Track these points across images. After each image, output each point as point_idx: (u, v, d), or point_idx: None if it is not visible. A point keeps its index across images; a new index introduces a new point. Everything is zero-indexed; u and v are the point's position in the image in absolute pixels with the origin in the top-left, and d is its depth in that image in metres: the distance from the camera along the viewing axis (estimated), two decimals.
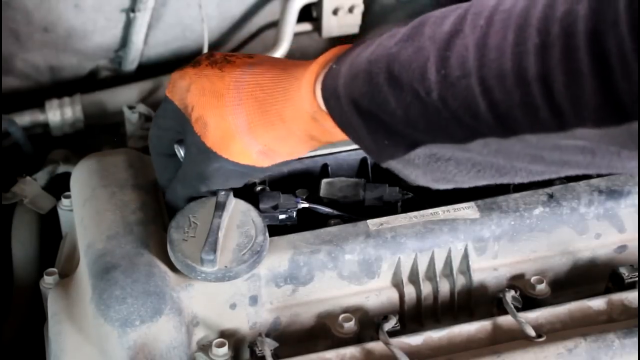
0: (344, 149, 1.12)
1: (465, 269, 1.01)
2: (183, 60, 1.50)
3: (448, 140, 0.74)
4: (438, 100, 0.71)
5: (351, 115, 0.80)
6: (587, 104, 0.61)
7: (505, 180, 0.76)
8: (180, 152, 0.98)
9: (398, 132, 0.77)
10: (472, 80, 0.68)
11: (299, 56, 1.59)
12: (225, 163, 0.92)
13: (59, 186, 1.31)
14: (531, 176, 0.75)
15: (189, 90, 0.92)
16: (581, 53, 0.60)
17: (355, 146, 1.11)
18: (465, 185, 0.80)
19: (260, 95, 0.89)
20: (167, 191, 1.00)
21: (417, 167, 0.80)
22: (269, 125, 0.89)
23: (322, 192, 1.07)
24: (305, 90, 0.85)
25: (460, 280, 1.01)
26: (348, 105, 0.80)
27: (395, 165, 0.82)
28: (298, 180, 1.11)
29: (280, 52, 1.48)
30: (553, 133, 0.65)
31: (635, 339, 0.93)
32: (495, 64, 0.66)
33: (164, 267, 0.94)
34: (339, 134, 0.86)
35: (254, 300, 0.96)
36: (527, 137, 0.68)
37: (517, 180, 0.76)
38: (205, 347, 0.94)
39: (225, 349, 0.93)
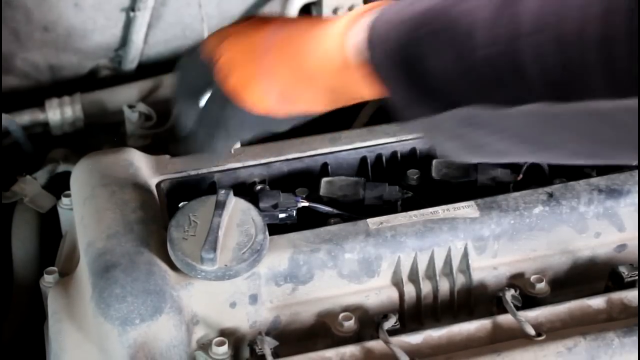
0: (344, 148, 1.13)
1: (465, 268, 1.01)
2: None
3: (488, 103, 0.71)
4: (484, 62, 0.69)
5: (390, 65, 0.78)
6: None
7: (536, 157, 0.74)
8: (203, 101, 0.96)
9: (435, 90, 0.75)
10: (525, 42, 0.65)
11: None
12: (240, 110, 0.90)
13: (59, 185, 1.31)
14: (572, 157, 0.73)
15: (221, 42, 0.92)
16: None
17: (355, 145, 1.13)
18: (490, 159, 0.78)
19: (287, 42, 0.88)
20: (183, 140, 0.99)
21: (445, 131, 0.77)
22: (291, 69, 0.88)
23: (322, 191, 1.07)
24: (336, 38, 0.83)
25: (460, 279, 1.01)
26: (389, 52, 0.78)
27: (421, 126, 0.79)
28: (298, 179, 1.11)
29: None
30: (609, 99, 0.63)
31: (635, 338, 0.93)
32: (553, 27, 0.64)
33: (164, 266, 0.94)
34: (360, 92, 0.84)
35: (254, 299, 0.96)
36: (578, 105, 0.65)
37: (551, 159, 0.73)
38: (205, 346, 0.94)
39: (225, 348, 0.93)
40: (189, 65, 0.96)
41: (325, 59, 0.85)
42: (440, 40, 0.72)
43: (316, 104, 0.90)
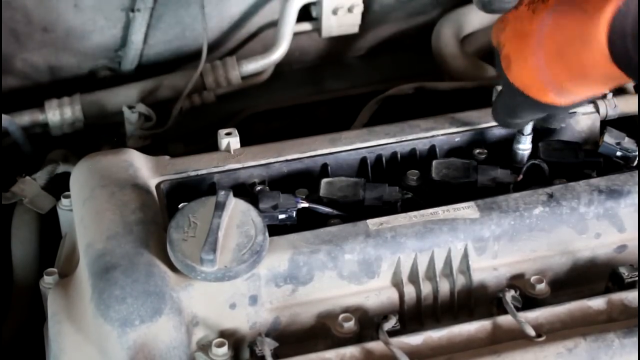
0: (344, 148, 1.12)
1: (465, 269, 1.01)
2: (183, 59, 1.51)
3: None
4: None
5: (634, 54, 0.82)
6: None
7: None
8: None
9: None
10: None
11: (298, 56, 1.60)
12: (527, 98, 0.97)
13: (58, 186, 1.31)
14: None
15: (503, 30, 0.99)
16: None
17: (355, 146, 1.13)
18: None
19: (559, 38, 0.92)
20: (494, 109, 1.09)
21: None
22: (566, 68, 0.92)
23: (322, 191, 1.07)
24: (602, 35, 0.86)
25: (460, 280, 1.01)
26: (632, 45, 0.82)
27: None
28: (298, 180, 1.11)
29: (279, 52, 1.48)
30: None
31: (635, 339, 0.93)
32: None
33: (163, 267, 0.94)
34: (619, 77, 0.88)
35: (253, 300, 0.96)
36: None
37: None
38: (205, 347, 0.94)
39: (225, 349, 0.93)
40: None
41: (599, 55, 0.87)
42: None
43: (595, 92, 0.96)
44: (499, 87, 1.07)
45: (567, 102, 0.96)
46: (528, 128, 1.11)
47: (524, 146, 1.12)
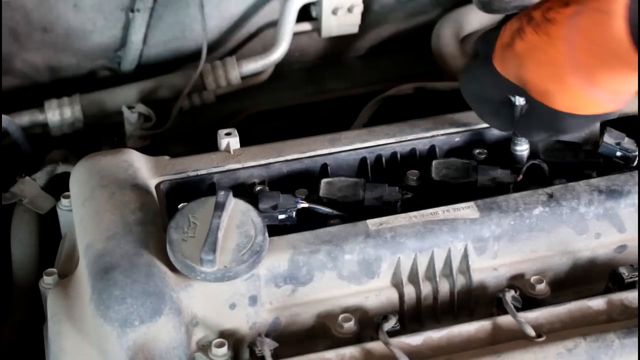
0: (344, 149, 1.12)
1: (465, 269, 1.01)
2: (182, 60, 1.51)
3: None
4: None
5: None
6: None
7: None
8: (518, 101, 1.03)
9: None
10: None
11: (298, 56, 1.60)
12: (577, 118, 0.97)
13: (58, 186, 1.31)
14: None
15: (523, 66, 0.97)
16: None
17: (355, 146, 1.13)
18: None
19: (595, 48, 0.91)
20: (516, 130, 1.07)
21: None
22: (611, 73, 0.92)
23: (322, 192, 1.07)
24: (624, 26, 0.86)
25: (460, 280, 1.01)
26: None
27: None
28: (297, 180, 1.11)
29: (279, 52, 1.48)
30: None
31: (635, 339, 0.93)
32: None
33: (163, 267, 0.94)
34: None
35: (253, 300, 0.96)
36: None
37: None
38: (204, 347, 0.94)
39: (224, 349, 0.93)
40: (484, 81, 1.05)
41: (626, 47, 0.87)
42: None
43: (634, 86, 0.93)
44: (519, 101, 1.04)
45: (619, 104, 0.97)
46: None
47: (521, 147, 1.11)
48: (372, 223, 0.99)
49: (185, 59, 1.51)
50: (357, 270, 0.98)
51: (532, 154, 1.12)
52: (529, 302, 0.99)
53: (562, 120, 0.98)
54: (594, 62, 0.92)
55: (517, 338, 0.93)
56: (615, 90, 0.94)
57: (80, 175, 1.08)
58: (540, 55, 0.95)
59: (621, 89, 0.94)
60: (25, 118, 1.42)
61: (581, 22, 0.92)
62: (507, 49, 0.99)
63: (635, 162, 1.11)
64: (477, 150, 1.14)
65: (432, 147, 1.14)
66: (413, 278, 1.00)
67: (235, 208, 0.97)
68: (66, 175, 1.18)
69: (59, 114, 1.42)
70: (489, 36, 1.03)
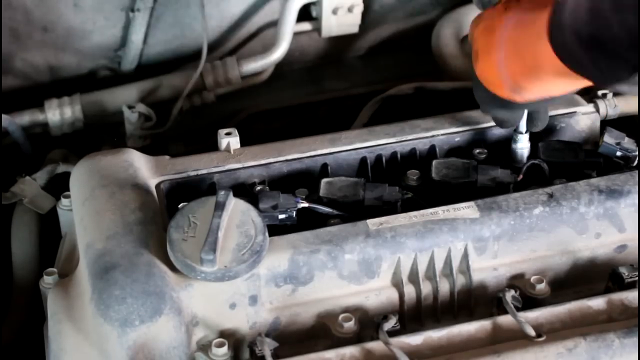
0: (344, 148, 1.12)
1: (465, 269, 1.01)
2: (183, 59, 1.51)
3: None
4: None
5: (573, 46, 0.83)
6: None
7: None
8: None
9: (621, 57, 0.79)
10: None
11: (298, 56, 1.60)
12: (488, 92, 1.01)
13: (58, 186, 1.31)
14: None
15: (477, 26, 1.02)
16: None
17: (355, 146, 1.13)
18: None
19: (518, 33, 0.94)
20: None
21: None
22: (520, 64, 0.94)
23: (322, 191, 1.07)
24: (544, 35, 0.88)
25: (460, 280, 1.01)
26: (571, 36, 0.83)
27: (622, 87, 0.83)
28: (298, 180, 1.11)
29: (279, 52, 1.48)
30: None
31: (635, 339, 0.93)
32: None
33: (163, 267, 0.94)
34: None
35: (253, 300, 0.96)
36: None
37: None
38: (205, 347, 0.94)
39: (225, 349, 0.93)
40: None
41: (541, 52, 0.89)
42: (624, 6, 0.76)
43: (548, 89, 0.97)
44: None
45: (522, 99, 0.99)
46: (522, 125, 1.11)
47: (522, 144, 1.12)
48: (372, 223, 0.99)
49: (186, 59, 1.51)
50: (357, 270, 0.98)
51: (533, 154, 1.12)
52: (529, 301, 0.99)
53: (480, 90, 1.03)
54: (513, 50, 0.95)
55: (517, 338, 0.93)
56: (522, 86, 0.97)
57: (80, 175, 1.08)
58: (489, 21, 1.00)
59: (527, 86, 0.97)
60: (26, 118, 1.42)
61: (521, 9, 0.96)
62: (483, 12, 1.05)
63: (636, 162, 1.11)
64: (477, 150, 1.14)
65: (432, 147, 1.14)
66: (413, 278, 1.00)
67: (236, 208, 0.97)
68: (66, 175, 1.18)
69: (59, 113, 1.42)
70: None
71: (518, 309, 0.96)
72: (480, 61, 1.01)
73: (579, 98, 1.20)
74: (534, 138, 1.14)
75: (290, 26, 1.48)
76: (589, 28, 0.81)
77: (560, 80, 0.93)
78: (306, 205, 1.04)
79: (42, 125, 1.43)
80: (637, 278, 1.00)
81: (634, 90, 0.83)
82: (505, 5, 0.98)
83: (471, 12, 1.54)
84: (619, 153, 1.11)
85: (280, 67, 1.52)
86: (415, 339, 0.94)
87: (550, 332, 0.94)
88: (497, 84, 1.00)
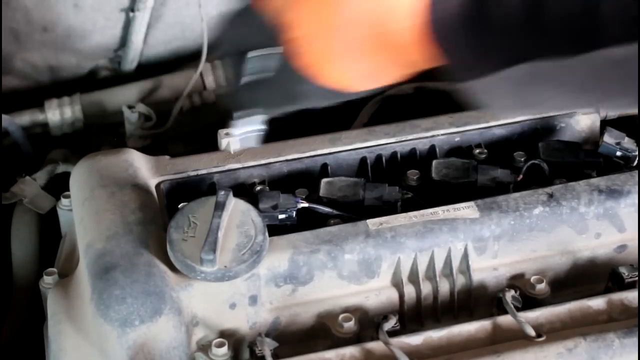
0: (344, 148, 1.12)
1: (465, 269, 1.01)
2: (183, 60, 1.51)
3: (560, 54, 0.68)
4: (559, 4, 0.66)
5: (453, 27, 0.74)
6: None
7: (594, 107, 0.72)
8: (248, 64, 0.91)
9: (501, 47, 0.72)
10: None
11: None
12: (314, 85, 0.85)
13: (58, 186, 1.31)
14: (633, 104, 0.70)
15: (291, 6, 0.84)
16: None
17: (355, 146, 1.13)
18: (551, 111, 0.75)
19: (364, 15, 0.81)
20: (231, 94, 0.96)
21: (503, 90, 0.74)
22: (370, 50, 0.82)
23: (322, 191, 1.07)
24: (406, 7, 0.77)
25: (460, 280, 1.01)
26: (452, 16, 0.74)
27: (477, 86, 0.76)
28: (298, 179, 1.11)
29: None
30: None
31: (635, 339, 0.93)
32: None
33: (163, 267, 0.94)
34: (418, 56, 0.80)
35: (253, 300, 0.96)
36: None
37: (610, 107, 0.70)
38: (204, 347, 0.94)
39: (224, 349, 0.93)
40: (243, 17, 0.91)
41: (403, 30, 0.79)
42: None
43: (394, 76, 0.85)
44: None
45: (362, 88, 0.86)
46: None
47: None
48: (372, 223, 0.99)
49: (185, 59, 1.51)
50: (357, 270, 0.98)
51: (532, 154, 1.12)
52: (529, 301, 0.99)
53: (300, 83, 0.85)
54: (359, 34, 0.81)
55: (517, 338, 0.93)
56: (367, 72, 0.84)
57: (80, 175, 1.08)
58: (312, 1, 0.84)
59: (374, 73, 0.84)
60: (26, 118, 1.42)
61: None
62: None
63: (636, 162, 1.11)
64: (477, 150, 1.14)
65: (432, 147, 1.14)
66: (413, 278, 1.00)
67: (236, 208, 0.97)
68: (66, 175, 1.18)
69: (59, 113, 1.42)
70: None
71: (518, 309, 0.96)
72: (310, 51, 0.83)
73: None
74: (533, 138, 1.14)
75: None
76: (470, 12, 0.72)
77: (409, 66, 0.83)
78: (306, 205, 1.04)
79: (42, 125, 1.43)
80: (637, 278, 1.00)
81: (493, 91, 0.75)
82: None
83: None
84: (618, 153, 1.11)
85: None
86: (415, 339, 0.94)
87: (550, 332, 0.94)
88: (336, 75, 0.84)
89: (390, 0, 0.80)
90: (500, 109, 0.76)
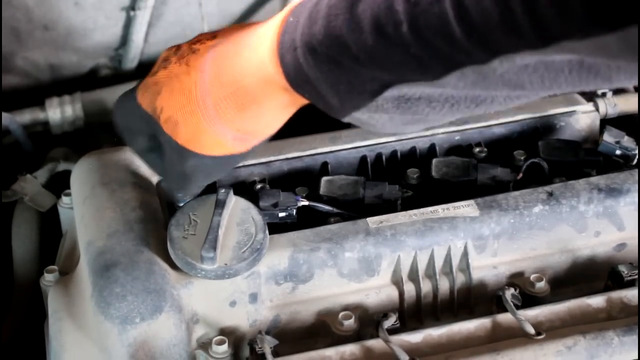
0: (344, 147, 1.13)
1: (465, 267, 1.01)
2: None
3: (419, 78, 0.70)
4: (408, 33, 0.66)
5: (309, 68, 0.76)
6: (572, 14, 0.57)
7: (481, 110, 0.72)
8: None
9: (362, 78, 0.73)
10: (446, 4, 0.63)
11: None
12: (201, 158, 0.88)
13: (59, 184, 1.31)
14: (509, 102, 0.72)
15: (159, 94, 0.89)
16: None
17: (355, 144, 1.13)
18: (438, 123, 0.76)
19: (225, 79, 0.84)
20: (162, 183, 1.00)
21: (385, 112, 0.76)
22: (239, 108, 0.85)
23: (322, 190, 1.07)
24: (269, 59, 0.80)
25: (460, 278, 1.01)
26: (305, 56, 0.75)
27: (360, 116, 0.77)
28: (298, 178, 1.11)
29: None
30: (538, 49, 0.61)
31: (635, 337, 0.93)
32: None
33: (164, 265, 0.94)
34: (294, 100, 0.82)
35: (253, 297, 0.96)
36: (509, 59, 0.64)
37: (494, 108, 0.72)
38: (205, 345, 0.94)
39: (225, 347, 0.93)
40: (129, 112, 0.94)
41: (270, 83, 0.81)
42: (361, 24, 0.70)
43: (274, 127, 0.88)
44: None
45: (250, 144, 0.89)
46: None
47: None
48: (372, 221, 1.00)
49: None
50: (357, 268, 0.98)
51: (532, 153, 1.12)
52: (528, 300, 0.99)
53: (186, 159, 0.88)
54: (222, 93, 0.85)
55: (516, 336, 0.93)
56: (245, 130, 0.86)
57: (81, 173, 1.09)
58: (175, 83, 0.88)
59: (247, 128, 0.87)
60: (26, 116, 1.42)
61: (218, 52, 0.86)
62: (150, 77, 0.92)
63: (635, 161, 1.12)
64: (477, 149, 1.14)
65: (432, 146, 1.14)
66: (413, 276, 1.00)
67: (236, 206, 0.97)
68: (67, 173, 1.18)
69: (60, 112, 1.42)
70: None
71: (518, 307, 0.96)
72: (183, 127, 0.87)
73: (578, 97, 1.20)
74: (533, 137, 1.14)
75: None
76: (325, 48, 0.73)
77: (288, 111, 0.85)
78: (306, 203, 1.04)
79: (43, 124, 1.44)
80: (636, 276, 1.00)
81: (374, 118, 0.77)
82: (182, 61, 0.89)
83: None
84: (618, 152, 1.11)
85: None
86: (415, 337, 0.94)
87: (550, 330, 0.94)
88: (216, 141, 0.87)
89: (239, 58, 0.83)
90: (390, 130, 0.79)
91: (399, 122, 0.77)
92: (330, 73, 0.75)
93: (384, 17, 0.68)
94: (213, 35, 0.89)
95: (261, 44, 0.81)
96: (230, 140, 0.87)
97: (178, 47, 0.92)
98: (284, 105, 0.84)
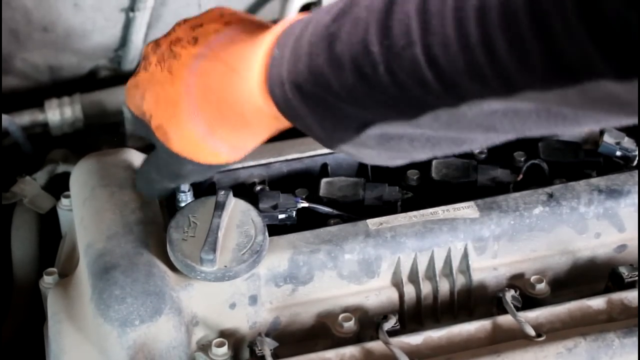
0: None
1: (465, 269, 1.01)
2: None
3: (397, 117, 0.71)
4: (385, 74, 0.67)
5: (296, 103, 0.77)
6: (533, 67, 0.58)
7: (463, 149, 0.74)
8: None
9: (345, 115, 0.75)
10: (417, 49, 0.64)
11: None
12: (197, 165, 0.89)
13: (58, 186, 1.32)
14: (488, 142, 0.73)
15: (143, 99, 0.89)
16: (520, 15, 0.57)
17: None
18: (423, 159, 0.78)
19: (214, 101, 0.85)
20: (138, 178, 1.00)
21: (370, 148, 0.77)
22: (231, 130, 0.86)
23: (322, 191, 1.07)
24: (259, 92, 0.81)
25: (460, 280, 1.01)
26: (292, 92, 0.76)
27: (347, 149, 0.79)
28: (298, 179, 1.11)
29: None
30: (502, 97, 0.63)
31: (635, 339, 0.93)
32: (438, 30, 0.62)
33: (163, 267, 0.94)
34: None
35: (253, 299, 0.96)
36: (477, 104, 0.65)
37: (475, 148, 0.74)
38: (205, 347, 0.94)
39: (225, 349, 0.93)
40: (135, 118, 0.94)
41: (261, 111, 0.82)
42: (340, 64, 0.71)
43: (261, 140, 0.89)
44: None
45: (241, 155, 0.90)
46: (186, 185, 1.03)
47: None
48: (372, 223, 0.99)
49: None
50: (357, 270, 0.98)
51: (532, 154, 1.12)
52: (528, 301, 0.99)
53: (182, 165, 0.90)
54: (213, 113, 0.85)
55: (517, 337, 0.93)
56: (235, 145, 0.88)
57: (80, 175, 1.08)
58: (159, 90, 0.87)
59: (241, 145, 0.88)
60: (26, 118, 1.42)
61: (204, 68, 0.85)
62: (132, 77, 0.91)
63: (635, 162, 1.12)
64: (477, 150, 1.14)
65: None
66: (413, 277, 1.00)
67: (236, 207, 0.97)
68: (66, 175, 1.18)
69: (59, 113, 1.42)
70: None
71: (518, 309, 0.96)
72: (175, 137, 0.87)
73: None
74: (533, 138, 1.14)
75: None
76: (310, 86, 0.74)
77: (276, 127, 0.86)
78: (306, 205, 1.04)
79: (42, 125, 1.44)
80: (637, 278, 1.00)
81: (361, 152, 0.78)
82: (164, 66, 0.87)
83: None
84: (618, 153, 1.11)
85: None
86: (415, 339, 0.94)
87: (550, 332, 0.94)
88: (209, 152, 0.88)
89: (228, 85, 0.83)
90: (379, 162, 0.81)
91: (386, 157, 0.79)
92: (317, 108, 0.76)
93: (361, 58, 0.69)
94: (194, 37, 0.87)
95: (249, 72, 0.81)
96: (225, 152, 0.88)
97: (157, 44, 0.90)
98: (276, 127, 0.86)
